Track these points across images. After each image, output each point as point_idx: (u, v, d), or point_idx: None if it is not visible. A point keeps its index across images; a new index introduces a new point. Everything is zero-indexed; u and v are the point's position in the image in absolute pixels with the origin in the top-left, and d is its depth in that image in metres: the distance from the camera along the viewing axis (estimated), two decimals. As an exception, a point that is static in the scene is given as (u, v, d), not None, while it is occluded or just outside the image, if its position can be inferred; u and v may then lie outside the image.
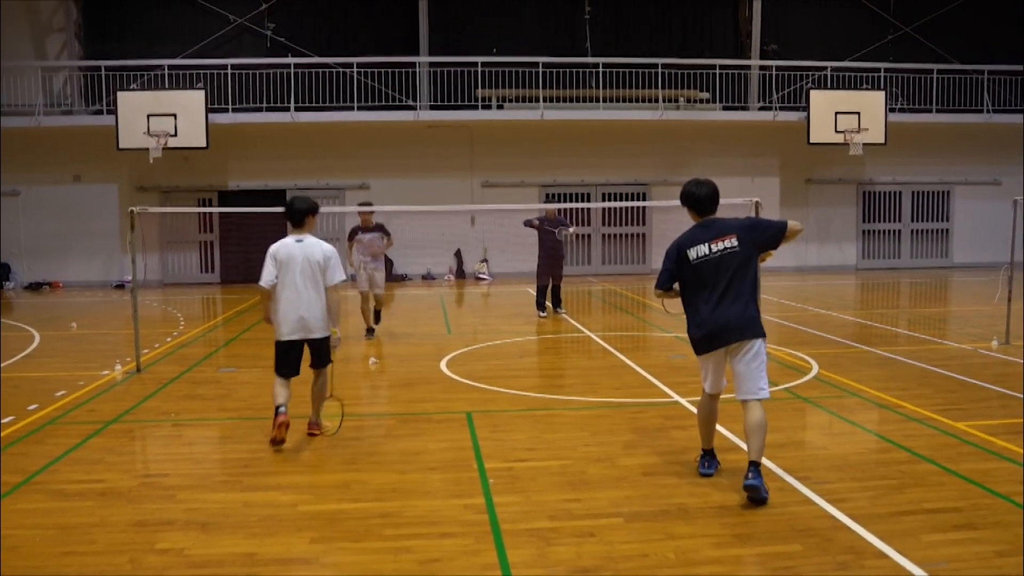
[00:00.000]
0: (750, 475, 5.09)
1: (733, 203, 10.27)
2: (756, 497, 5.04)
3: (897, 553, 4.32)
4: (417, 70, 21.52)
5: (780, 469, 5.72)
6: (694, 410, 7.42)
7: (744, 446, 5.53)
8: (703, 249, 5.33)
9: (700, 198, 5.49)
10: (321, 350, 6.62)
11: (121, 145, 19.20)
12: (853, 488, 5.33)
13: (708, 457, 5.76)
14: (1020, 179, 21.91)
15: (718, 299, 5.27)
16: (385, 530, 4.80)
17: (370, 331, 12.25)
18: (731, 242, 5.30)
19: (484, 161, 22.16)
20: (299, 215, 6.57)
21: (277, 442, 6.31)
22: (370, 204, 12.40)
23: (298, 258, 6.43)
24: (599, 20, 22.92)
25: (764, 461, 5.88)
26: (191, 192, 21.37)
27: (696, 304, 5.41)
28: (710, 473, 5.65)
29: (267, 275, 6.45)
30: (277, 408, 6.39)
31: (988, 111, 22.61)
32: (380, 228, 12.03)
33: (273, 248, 6.52)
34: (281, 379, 6.56)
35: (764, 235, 5.40)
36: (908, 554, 4.30)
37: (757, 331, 5.33)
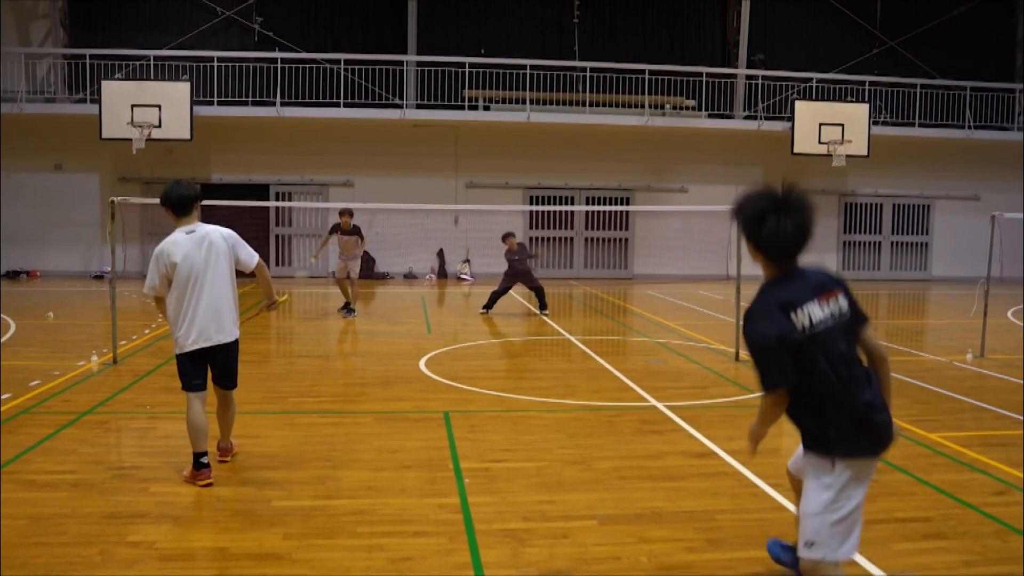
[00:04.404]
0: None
1: (716, 211, 10.38)
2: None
3: (867, 561, 4.35)
4: (404, 68, 21.48)
5: (754, 475, 5.75)
6: (671, 415, 7.49)
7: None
8: (818, 313, 3.34)
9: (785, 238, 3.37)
10: (229, 362, 5.65)
11: (104, 135, 19.06)
12: (826, 496, 5.36)
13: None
14: (998, 195, 22.17)
15: None
16: (358, 527, 4.79)
17: (347, 307, 14.12)
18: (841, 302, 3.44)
19: (469, 161, 22.14)
20: (185, 202, 5.50)
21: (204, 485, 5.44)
22: (350, 212, 13.95)
23: (195, 251, 5.42)
24: (587, 24, 22.98)
25: (738, 467, 5.93)
26: (173, 184, 21.19)
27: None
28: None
29: (150, 280, 5.51)
30: (197, 458, 5.43)
31: (969, 127, 22.84)
32: (357, 231, 13.86)
33: (158, 249, 5.47)
34: (194, 398, 5.51)
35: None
36: (878, 562, 4.33)
37: None
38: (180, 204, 5.51)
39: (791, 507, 5.10)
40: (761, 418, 3.55)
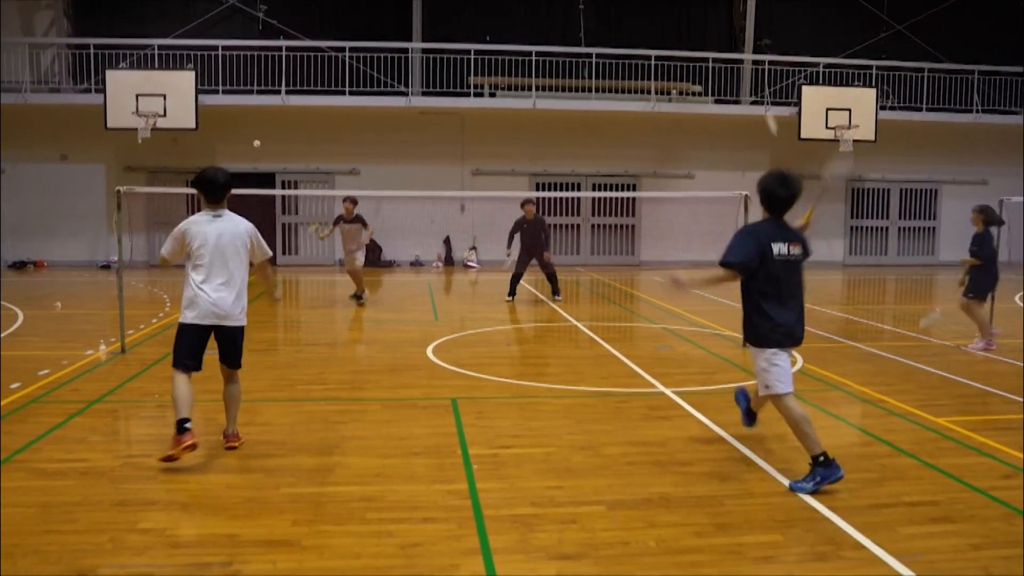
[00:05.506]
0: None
1: (722, 196, 10.36)
2: None
3: (875, 544, 4.36)
4: (410, 56, 21.44)
5: (762, 460, 5.76)
6: (679, 401, 7.49)
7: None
8: (785, 249, 5.20)
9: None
10: (235, 344, 5.85)
11: (109, 124, 19.08)
12: (834, 480, 5.37)
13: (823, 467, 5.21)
14: (1006, 179, 22.06)
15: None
16: (367, 514, 4.81)
17: (355, 295, 14.03)
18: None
19: (475, 149, 22.12)
20: (221, 189, 5.76)
21: (171, 459, 5.43)
22: (354, 200, 13.69)
23: (216, 235, 5.66)
24: (593, 10, 22.90)
25: (746, 452, 5.94)
26: (179, 173, 21.18)
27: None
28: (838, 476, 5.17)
29: (167, 246, 5.77)
30: (180, 423, 5.45)
31: (977, 111, 22.72)
32: (359, 219, 13.63)
33: (183, 224, 5.70)
34: (182, 374, 5.64)
35: None
36: (885, 546, 4.34)
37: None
38: (213, 189, 5.76)
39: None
40: (704, 279, 5.43)
